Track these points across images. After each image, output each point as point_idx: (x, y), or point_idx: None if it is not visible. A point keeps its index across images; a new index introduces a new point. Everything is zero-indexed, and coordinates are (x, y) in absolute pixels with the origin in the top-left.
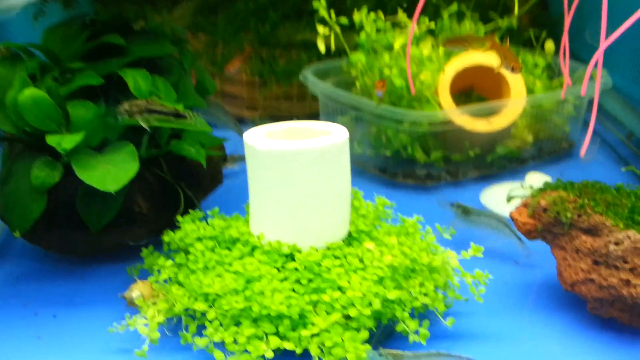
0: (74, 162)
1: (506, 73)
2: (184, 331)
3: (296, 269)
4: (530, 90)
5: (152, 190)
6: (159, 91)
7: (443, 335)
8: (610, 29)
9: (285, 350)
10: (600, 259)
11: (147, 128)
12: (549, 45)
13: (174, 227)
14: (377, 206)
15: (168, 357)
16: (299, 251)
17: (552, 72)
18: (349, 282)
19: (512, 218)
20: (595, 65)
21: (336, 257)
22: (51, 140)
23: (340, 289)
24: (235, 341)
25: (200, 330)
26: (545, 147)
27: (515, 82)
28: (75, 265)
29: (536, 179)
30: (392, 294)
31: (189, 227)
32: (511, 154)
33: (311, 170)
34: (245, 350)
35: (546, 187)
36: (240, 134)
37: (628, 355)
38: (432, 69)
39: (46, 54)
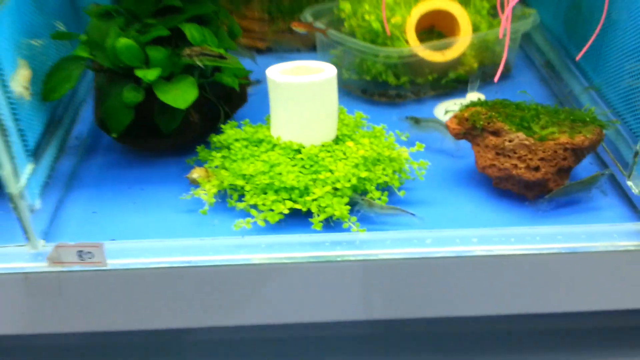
0: (155, 89)
1: (457, 14)
2: (230, 198)
3: (302, 159)
4: (476, 28)
5: (201, 106)
6: (205, 38)
7: (397, 202)
8: None
9: (296, 210)
10: (500, 151)
11: (201, 65)
12: None
13: (216, 132)
14: (356, 118)
15: (221, 215)
16: (304, 147)
17: (496, 12)
18: (336, 167)
19: (446, 125)
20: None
21: (328, 151)
22: (139, 73)
23: (330, 171)
24: (263, 204)
25: (240, 199)
26: (489, 71)
27: (464, 23)
28: (149, 158)
29: (474, 96)
30: (364, 174)
31: (230, 132)
32: (460, 77)
33: (311, 95)
34: (270, 209)
35: (469, 105)
36: (255, 62)
37: (516, 213)
38: (402, 13)
39: (128, 13)
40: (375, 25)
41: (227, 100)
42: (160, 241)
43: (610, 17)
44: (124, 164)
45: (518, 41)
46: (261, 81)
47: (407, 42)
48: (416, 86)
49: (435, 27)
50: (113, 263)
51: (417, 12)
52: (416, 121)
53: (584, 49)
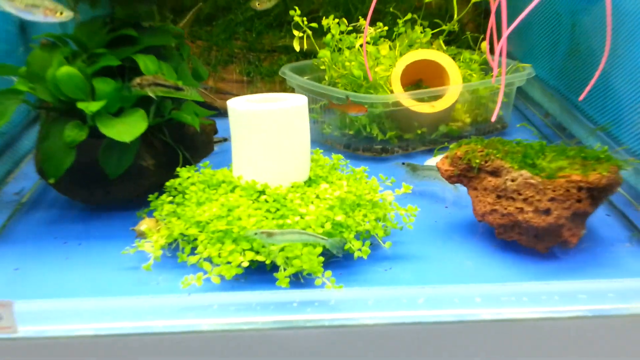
0: (97, 122)
1: (446, 65)
2: (181, 252)
3: (266, 201)
4: (467, 81)
5: (157, 151)
6: (162, 72)
7: (384, 256)
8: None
9: (259, 265)
10: (501, 193)
11: (154, 97)
12: (484, 45)
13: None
14: (334, 160)
15: (168, 272)
16: (269, 188)
17: (488, 68)
18: (307, 210)
19: (437, 167)
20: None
21: (298, 192)
22: (81, 105)
23: (300, 215)
24: (219, 255)
25: (193, 252)
26: (482, 128)
27: (454, 73)
28: (96, 212)
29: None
30: (339, 215)
31: (185, 174)
32: (452, 132)
33: (277, 125)
34: (227, 262)
35: (461, 143)
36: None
37: (523, 269)
38: (387, 63)
39: (76, 43)
40: (357, 72)
41: (190, 146)
42: (84, 301)
43: (613, 53)
44: (64, 220)
45: (513, 95)
46: (228, 139)
47: (392, 92)
48: (404, 141)
49: (423, 82)
50: (25, 330)
51: (402, 62)
52: (414, 168)
53: (588, 88)
